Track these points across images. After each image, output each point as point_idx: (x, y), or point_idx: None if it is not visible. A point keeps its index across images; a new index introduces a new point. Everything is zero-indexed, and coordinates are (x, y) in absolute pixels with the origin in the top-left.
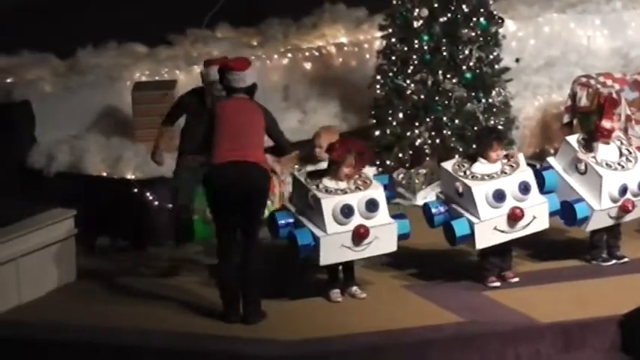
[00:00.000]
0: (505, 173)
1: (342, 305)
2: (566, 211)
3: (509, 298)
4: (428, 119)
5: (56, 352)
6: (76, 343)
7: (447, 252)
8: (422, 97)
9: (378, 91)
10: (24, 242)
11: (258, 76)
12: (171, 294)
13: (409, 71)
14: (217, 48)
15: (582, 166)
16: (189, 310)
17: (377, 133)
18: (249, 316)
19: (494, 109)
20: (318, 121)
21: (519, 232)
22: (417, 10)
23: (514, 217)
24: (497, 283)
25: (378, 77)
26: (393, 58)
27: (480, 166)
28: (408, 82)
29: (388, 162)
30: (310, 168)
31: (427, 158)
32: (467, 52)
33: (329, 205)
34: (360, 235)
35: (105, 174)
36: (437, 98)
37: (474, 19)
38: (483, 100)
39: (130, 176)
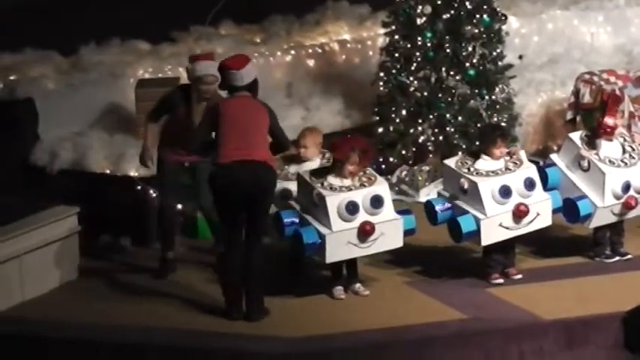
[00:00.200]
0: (510, 170)
1: (345, 302)
2: (569, 209)
3: (512, 295)
4: (431, 116)
5: (59, 349)
6: (78, 340)
7: (449, 249)
8: (425, 94)
9: (381, 88)
10: (27, 239)
11: (261, 73)
12: (174, 291)
13: (412, 68)
14: (221, 45)
15: (585, 163)
16: (191, 308)
17: (380, 130)
18: (252, 314)
19: (498, 106)
20: (322, 118)
21: (523, 229)
22: (420, 7)
23: (519, 213)
24: (501, 280)
25: (381, 74)
26: (396, 55)
27: (484, 163)
28: (411, 79)
29: (391, 159)
30: (294, 168)
31: (430, 155)
32: (470, 49)
33: (334, 202)
34: (365, 232)
35: (108, 171)
36: (440, 95)
37: (477, 16)
38: (486, 97)
39: (133, 173)
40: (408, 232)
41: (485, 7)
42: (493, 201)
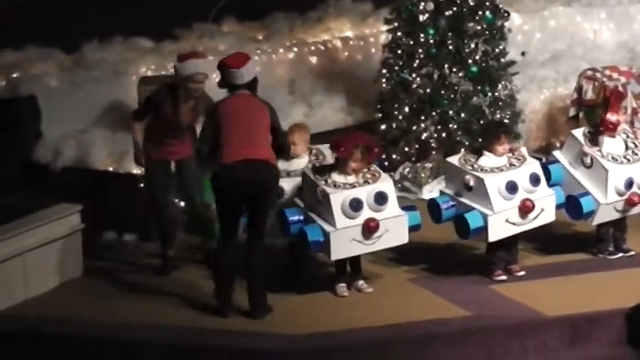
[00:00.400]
0: (514, 166)
1: (348, 299)
2: (572, 205)
3: (515, 292)
4: (434, 113)
5: (62, 346)
6: (82, 338)
7: (452, 246)
8: (428, 90)
9: (384, 85)
10: (30, 237)
11: (264, 71)
12: (176, 289)
13: (415, 65)
14: (223, 42)
15: (588, 160)
16: (194, 305)
17: (383, 127)
18: (255, 311)
19: (500, 103)
20: (324, 115)
21: (528, 225)
22: (422, 3)
23: (525, 208)
24: (504, 277)
25: (384, 71)
26: (399, 51)
27: (487, 160)
28: (413, 75)
29: (394, 156)
30: (283, 165)
31: (433, 152)
32: (473, 45)
33: (338, 199)
34: (370, 229)
35: (111, 169)
36: (443, 92)
37: (480, 12)
38: (489, 94)
39: (136, 171)
40: (413, 228)
41: (487, 3)
42: (500, 197)
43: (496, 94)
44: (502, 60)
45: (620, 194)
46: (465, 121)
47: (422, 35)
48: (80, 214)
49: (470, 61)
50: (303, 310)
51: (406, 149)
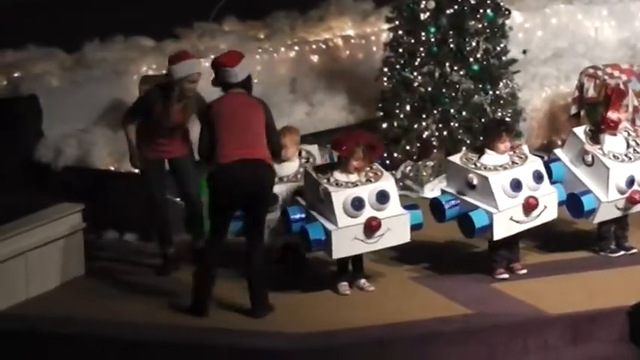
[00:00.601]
0: (516, 163)
1: (350, 298)
2: (574, 204)
3: (517, 290)
4: (435, 111)
5: (63, 346)
6: (84, 337)
7: (454, 244)
8: (429, 89)
9: (385, 84)
10: (32, 237)
11: (265, 70)
12: (177, 288)
13: (416, 63)
14: (224, 41)
15: (589, 158)
16: None
17: (384, 125)
18: (256, 310)
19: (502, 101)
20: (326, 114)
21: (532, 222)
22: (423, 2)
23: (529, 206)
24: (506, 275)
25: (385, 70)
26: (400, 50)
27: (489, 158)
28: (415, 74)
29: (395, 154)
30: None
31: (434, 150)
32: (474, 44)
33: (339, 198)
34: (372, 228)
35: (112, 168)
36: (444, 90)
37: (481, 10)
38: (490, 92)
39: (137, 170)
40: (415, 227)
41: (488, 1)
42: (504, 195)
43: (497, 92)
44: (503, 58)
45: (622, 192)
46: (466, 119)
47: (423, 33)
48: (81, 214)
49: (471, 59)
50: (305, 309)
51: (407, 148)
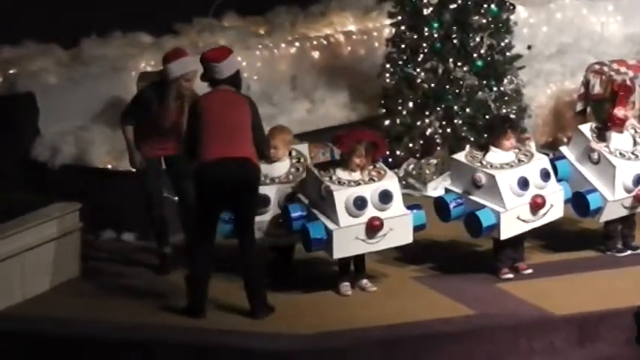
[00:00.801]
0: (523, 161)
1: (352, 298)
2: (580, 202)
3: (522, 290)
4: (438, 108)
5: (60, 347)
6: (80, 338)
7: (458, 244)
8: (432, 85)
9: (388, 80)
10: (28, 236)
11: (266, 66)
12: (176, 288)
13: (419, 60)
14: (224, 37)
15: (595, 156)
16: None
17: (387, 122)
18: (256, 312)
19: (506, 98)
20: (327, 111)
21: (538, 221)
22: None
23: (536, 205)
24: (510, 275)
25: (388, 66)
26: (403, 46)
27: (495, 156)
28: (418, 70)
29: (398, 152)
30: (264, 169)
31: (438, 148)
32: (478, 39)
33: (341, 197)
34: (374, 228)
35: (110, 166)
36: (447, 87)
37: (485, 5)
38: (495, 89)
39: (134, 169)
40: (418, 228)
41: None
42: (511, 193)
43: (502, 88)
44: (508, 54)
45: (628, 191)
46: (470, 116)
47: (426, 29)
48: (79, 213)
49: (475, 55)
50: (306, 310)
51: (410, 145)
